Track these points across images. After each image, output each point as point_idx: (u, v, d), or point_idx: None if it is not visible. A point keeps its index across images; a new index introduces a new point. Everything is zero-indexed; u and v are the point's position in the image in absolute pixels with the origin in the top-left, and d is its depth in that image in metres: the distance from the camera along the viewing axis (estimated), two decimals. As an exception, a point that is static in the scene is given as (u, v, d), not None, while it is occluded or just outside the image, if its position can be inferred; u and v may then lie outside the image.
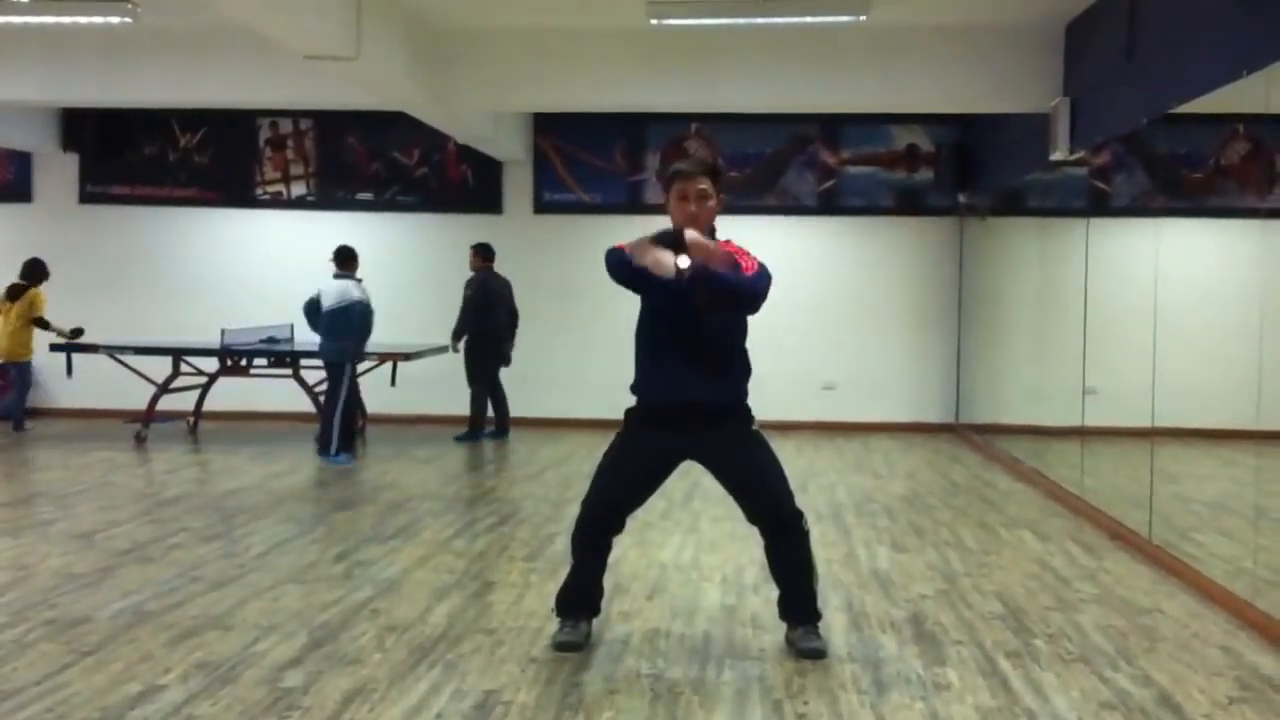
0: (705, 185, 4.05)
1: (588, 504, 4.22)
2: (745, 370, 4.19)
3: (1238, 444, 5.50)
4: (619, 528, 4.25)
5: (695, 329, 3.91)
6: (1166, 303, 5.88)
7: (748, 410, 4.20)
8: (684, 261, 3.63)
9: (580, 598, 4.32)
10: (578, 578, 4.31)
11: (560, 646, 4.21)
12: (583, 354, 11.12)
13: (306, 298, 8.92)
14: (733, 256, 3.86)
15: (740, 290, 3.87)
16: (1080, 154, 7.46)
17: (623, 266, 3.89)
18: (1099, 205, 7.36)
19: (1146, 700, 3.76)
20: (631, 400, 4.24)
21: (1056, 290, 7.95)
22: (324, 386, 9.56)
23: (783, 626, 4.30)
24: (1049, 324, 8.18)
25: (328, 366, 8.95)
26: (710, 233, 4.11)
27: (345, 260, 9.03)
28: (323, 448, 8.78)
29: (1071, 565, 5.68)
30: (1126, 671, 4.05)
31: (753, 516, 4.19)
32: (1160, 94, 5.96)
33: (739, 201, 10.77)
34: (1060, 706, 3.69)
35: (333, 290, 8.86)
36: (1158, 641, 4.42)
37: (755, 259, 4.05)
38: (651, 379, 4.14)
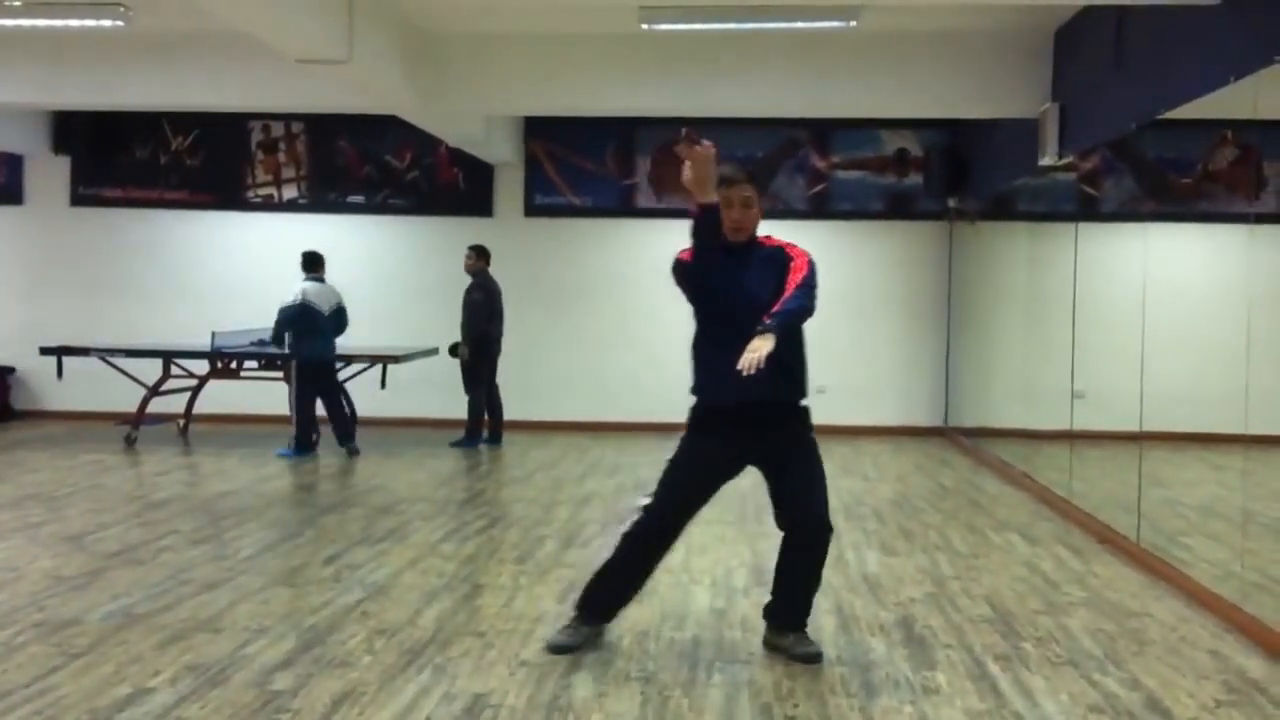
0: (749, 192, 4.10)
1: (656, 506, 4.14)
2: (804, 367, 4.19)
3: (1226, 448, 5.52)
4: (678, 532, 4.21)
5: (752, 328, 3.84)
6: (1155, 307, 5.90)
7: (807, 413, 4.20)
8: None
9: (605, 598, 4.27)
10: (615, 576, 4.23)
11: (553, 648, 4.20)
12: (573, 357, 11.14)
13: (289, 305, 9.09)
14: (782, 288, 3.98)
15: (803, 315, 3.99)
16: (1069, 159, 7.50)
17: (686, 279, 4.04)
18: (1088, 210, 7.39)
19: (1135, 704, 3.78)
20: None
21: (1045, 294, 7.98)
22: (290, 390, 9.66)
23: (771, 629, 4.32)
24: (1038, 328, 8.21)
25: (329, 366, 9.38)
26: (753, 236, 4.17)
27: (318, 263, 9.39)
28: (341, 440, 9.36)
29: (1060, 569, 5.70)
30: (1115, 675, 4.06)
31: (787, 521, 4.15)
32: (1149, 100, 5.99)
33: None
34: (1049, 710, 3.71)
35: (325, 293, 9.23)
36: (1146, 645, 4.44)
37: (802, 254, 4.13)
38: (711, 379, 4.12)
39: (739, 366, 3.68)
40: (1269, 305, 4.96)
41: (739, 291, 4.03)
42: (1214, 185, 5.92)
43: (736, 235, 4.11)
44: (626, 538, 4.22)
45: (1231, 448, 5.27)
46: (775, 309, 3.88)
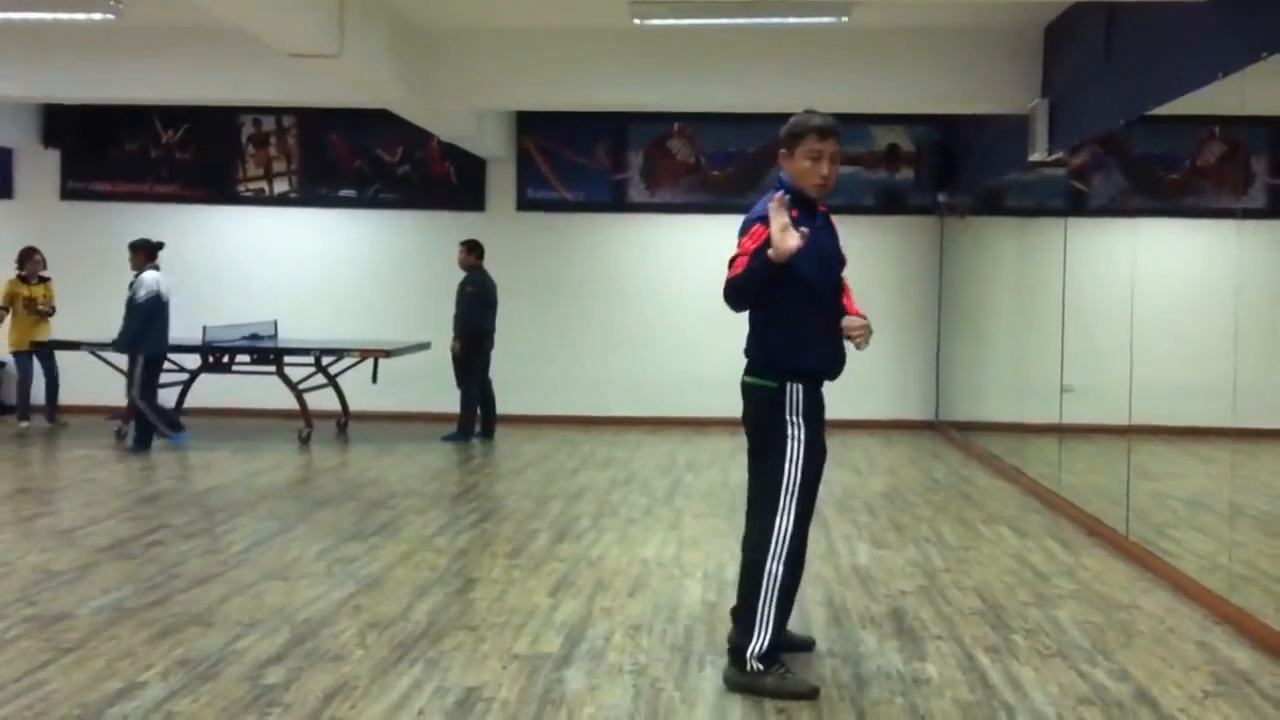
0: (838, 148, 3.66)
1: (802, 507, 3.73)
2: (767, 335, 3.76)
3: (1214, 442, 5.55)
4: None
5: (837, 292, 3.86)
6: (1143, 302, 5.93)
7: (768, 394, 3.72)
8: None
9: (783, 635, 3.82)
10: (784, 606, 3.75)
11: (808, 693, 3.69)
12: (566, 351, 11.14)
13: (150, 297, 8.85)
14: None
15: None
16: (1059, 155, 7.52)
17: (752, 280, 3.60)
18: (1077, 205, 7.41)
19: (1123, 694, 3.80)
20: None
21: (1035, 289, 8.01)
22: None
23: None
24: (1028, 322, 8.24)
25: (165, 359, 9.31)
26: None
27: (157, 252, 9.23)
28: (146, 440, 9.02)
29: (1050, 561, 5.73)
30: (1104, 666, 4.09)
31: None
32: (1138, 96, 6.02)
33: (721, 200, 10.82)
34: (1038, 701, 3.73)
35: (167, 283, 9.10)
36: (1134, 636, 4.47)
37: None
38: (809, 345, 3.86)
39: (860, 343, 3.68)
40: (1256, 300, 4.99)
41: (832, 258, 3.90)
42: (1202, 181, 5.94)
43: (823, 192, 3.74)
44: (789, 557, 3.71)
45: (1219, 441, 5.29)
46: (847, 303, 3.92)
